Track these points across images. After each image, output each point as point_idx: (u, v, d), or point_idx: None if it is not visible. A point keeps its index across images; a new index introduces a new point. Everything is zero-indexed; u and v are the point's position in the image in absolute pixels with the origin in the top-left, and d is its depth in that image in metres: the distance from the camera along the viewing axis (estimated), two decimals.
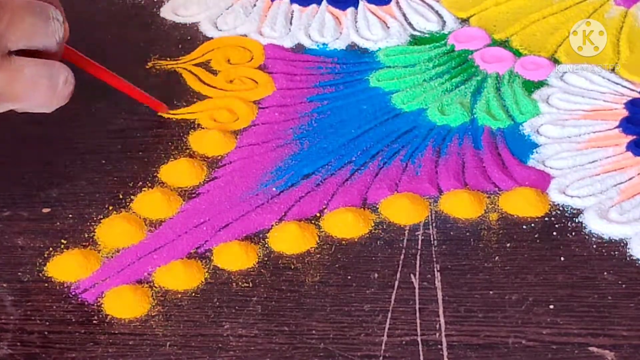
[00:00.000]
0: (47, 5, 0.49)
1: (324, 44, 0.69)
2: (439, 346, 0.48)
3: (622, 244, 0.53)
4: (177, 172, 0.58)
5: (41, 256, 0.53)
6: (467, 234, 0.54)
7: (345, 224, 0.54)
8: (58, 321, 0.50)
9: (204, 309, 0.50)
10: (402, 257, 0.53)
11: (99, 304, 0.50)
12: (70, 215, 0.55)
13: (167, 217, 0.55)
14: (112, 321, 0.49)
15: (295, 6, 0.72)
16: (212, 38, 0.70)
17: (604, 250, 0.53)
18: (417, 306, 0.50)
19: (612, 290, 0.51)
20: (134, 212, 0.56)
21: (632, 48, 0.67)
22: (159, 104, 0.62)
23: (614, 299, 0.50)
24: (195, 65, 0.67)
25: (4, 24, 0.47)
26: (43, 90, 0.49)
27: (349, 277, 0.52)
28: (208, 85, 0.65)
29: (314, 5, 0.72)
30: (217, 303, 0.50)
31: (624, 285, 0.51)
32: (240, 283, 0.51)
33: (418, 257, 0.53)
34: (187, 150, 0.60)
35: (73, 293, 0.51)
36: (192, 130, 0.61)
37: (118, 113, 0.63)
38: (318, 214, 0.55)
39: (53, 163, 0.59)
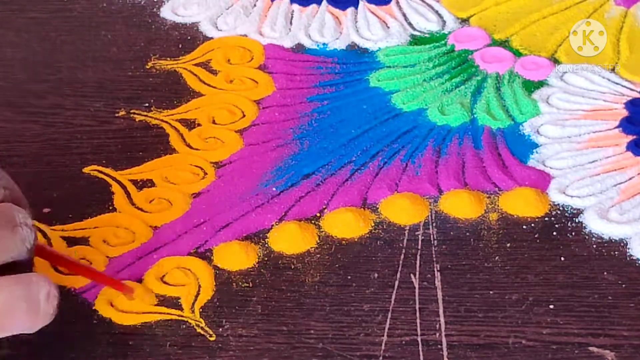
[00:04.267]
0: (11, 209, 0.42)
1: (324, 44, 0.69)
2: (439, 346, 0.48)
3: (622, 244, 0.53)
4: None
5: None
6: (467, 234, 0.54)
7: (345, 224, 0.54)
8: (58, 321, 0.50)
9: (204, 309, 0.50)
10: (402, 257, 0.53)
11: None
12: (70, 216, 0.55)
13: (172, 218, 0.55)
14: (112, 321, 0.49)
15: (295, 6, 0.72)
16: (212, 38, 0.70)
17: (604, 250, 0.53)
18: (417, 306, 0.50)
19: (612, 290, 0.51)
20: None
21: (632, 48, 0.67)
22: (123, 286, 0.51)
23: (614, 299, 0.50)
24: (195, 65, 0.67)
25: None
26: (22, 315, 0.40)
27: (349, 277, 0.52)
28: (208, 85, 0.65)
29: (314, 5, 0.72)
30: (217, 303, 0.50)
31: (624, 285, 0.51)
32: (240, 283, 0.51)
33: (418, 257, 0.53)
34: (188, 150, 0.60)
35: (73, 293, 0.51)
36: (191, 129, 0.61)
37: (118, 113, 0.63)
38: (318, 214, 0.55)
39: (53, 163, 0.59)
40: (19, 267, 0.42)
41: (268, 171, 0.58)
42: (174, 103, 0.63)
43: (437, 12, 0.72)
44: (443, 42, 0.69)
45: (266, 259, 0.53)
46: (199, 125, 0.62)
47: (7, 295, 0.40)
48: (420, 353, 0.48)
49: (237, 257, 0.52)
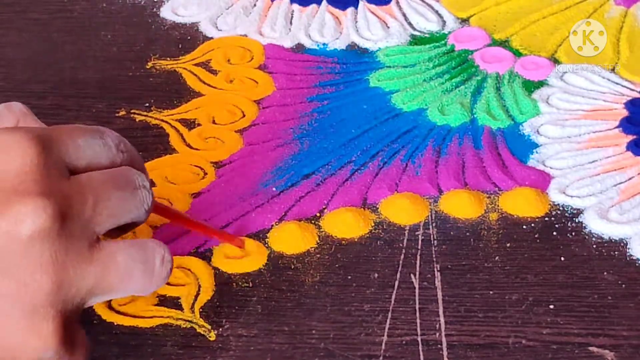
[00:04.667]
0: (130, 172, 0.42)
1: (324, 44, 0.69)
2: (439, 346, 0.48)
3: (622, 244, 0.53)
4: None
5: None
6: (467, 234, 0.54)
7: (345, 224, 0.54)
8: None
9: (205, 309, 0.50)
10: (402, 257, 0.53)
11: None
12: None
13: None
14: (113, 322, 0.49)
15: (295, 6, 0.72)
16: (212, 38, 0.70)
17: (604, 250, 0.53)
18: (417, 306, 0.50)
19: (612, 290, 0.51)
20: None
21: (632, 48, 0.67)
22: (235, 238, 0.54)
23: (614, 299, 0.50)
24: (195, 65, 0.67)
25: (89, 208, 0.40)
26: (139, 277, 0.42)
27: (349, 277, 0.52)
28: (208, 85, 0.65)
29: (314, 5, 0.72)
30: (217, 303, 0.50)
31: (624, 285, 0.51)
32: (240, 283, 0.51)
33: (418, 257, 0.53)
34: (188, 150, 0.60)
35: None
36: (191, 129, 0.61)
37: (118, 113, 0.63)
38: (318, 214, 0.55)
39: None
40: (132, 227, 0.44)
41: (268, 171, 0.58)
42: (174, 103, 0.64)
43: (437, 12, 0.72)
44: (443, 42, 0.69)
45: (266, 259, 0.53)
46: (199, 125, 0.62)
47: (125, 257, 0.41)
48: (420, 353, 0.48)
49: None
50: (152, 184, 0.46)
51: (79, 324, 0.41)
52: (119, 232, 0.43)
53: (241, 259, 0.52)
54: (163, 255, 0.42)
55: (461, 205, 0.55)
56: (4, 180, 0.38)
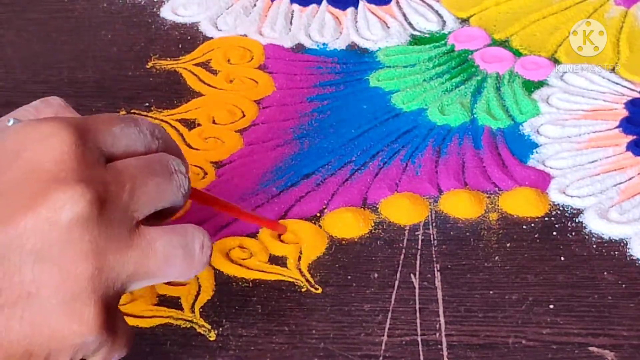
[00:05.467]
0: (166, 157, 0.43)
1: (324, 44, 0.69)
2: (439, 346, 0.48)
3: (622, 244, 0.53)
4: None
5: None
6: (467, 234, 0.54)
7: (345, 224, 0.54)
8: None
9: (205, 309, 0.50)
10: (402, 257, 0.53)
11: None
12: None
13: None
14: None
15: (295, 6, 0.72)
16: (212, 38, 0.70)
17: (604, 250, 0.53)
18: (417, 306, 0.50)
19: (612, 290, 0.51)
20: None
21: (632, 48, 0.67)
22: (276, 225, 0.55)
23: (614, 299, 0.50)
24: (195, 65, 0.67)
25: (126, 194, 0.40)
26: (178, 262, 0.41)
27: (349, 277, 0.52)
28: (208, 85, 0.65)
29: (314, 5, 0.72)
30: (217, 303, 0.50)
31: (624, 285, 0.51)
32: (240, 283, 0.51)
33: (418, 257, 0.53)
34: (187, 150, 0.60)
35: None
36: (191, 129, 0.61)
37: (118, 113, 0.63)
38: (318, 214, 0.55)
39: None
40: (171, 213, 0.44)
41: (268, 171, 0.58)
42: (174, 103, 0.64)
43: (437, 12, 0.72)
44: (443, 42, 0.69)
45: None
46: (199, 125, 0.62)
47: (165, 243, 0.41)
48: (420, 353, 0.48)
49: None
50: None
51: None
52: (159, 218, 0.43)
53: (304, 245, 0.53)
54: (202, 240, 0.42)
55: (461, 205, 0.55)
56: (43, 169, 0.38)
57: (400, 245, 0.53)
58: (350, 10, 0.72)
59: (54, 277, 0.38)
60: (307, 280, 0.51)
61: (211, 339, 0.48)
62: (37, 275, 0.37)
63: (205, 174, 0.58)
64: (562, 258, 0.53)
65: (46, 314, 0.38)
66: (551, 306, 0.50)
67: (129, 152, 0.42)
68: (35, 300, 0.38)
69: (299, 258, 0.53)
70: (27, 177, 0.38)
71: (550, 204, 0.56)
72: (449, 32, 0.69)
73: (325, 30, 0.70)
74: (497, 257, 0.53)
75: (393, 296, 0.50)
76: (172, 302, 0.50)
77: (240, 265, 0.52)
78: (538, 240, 0.54)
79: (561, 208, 0.56)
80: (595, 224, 0.54)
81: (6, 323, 0.37)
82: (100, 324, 0.38)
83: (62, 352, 0.38)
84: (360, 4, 0.73)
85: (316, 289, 0.50)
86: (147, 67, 0.67)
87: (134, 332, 0.42)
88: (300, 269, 0.52)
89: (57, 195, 0.38)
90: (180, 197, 0.43)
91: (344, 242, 0.54)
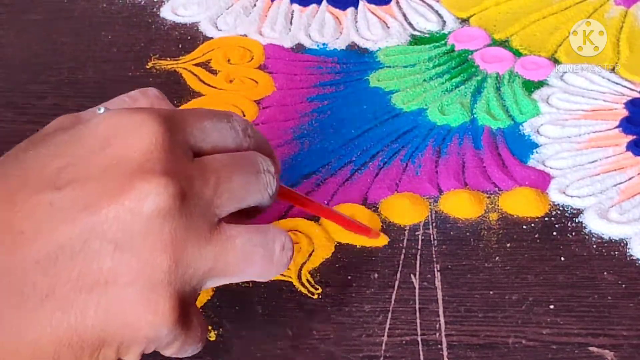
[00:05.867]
0: (255, 156, 0.42)
1: (324, 44, 0.69)
2: (439, 346, 0.48)
3: (622, 244, 0.53)
4: None
5: None
6: (467, 234, 0.54)
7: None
8: None
9: (205, 309, 0.50)
10: (402, 257, 0.53)
11: None
12: None
13: None
14: None
15: (295, 6, 0.72)
16: (212, 38, 0.70)
17: (604, 250, 0.53)
18: (417, 306, 0.50)
19: (612, 290, 0.51)
20: None
21: (632, 48, 0.67)
22: (371, 231, 0.54)
23: (614, 299, 0.50)
24: (195, 65, 0.67)
25: (210, 189, 0.40)
26: (257, 261, 0.41)
27: (349, 277, 0.52)
28: (208, 85, 0.65)
29: (314, 5, 0.72)
30: (217, 303, 0.50)
31: (624, 285, 0.51)
32: (240, 283, 0.51)
33: (418, 257, 0.53)
34: None
35: None
36: None
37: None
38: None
39: None
40: (256, 213, 0.43)
41: None
42: (174, 103, 0.63)
43: (437, 12, 0.72)
44: (443, 42, 0.69)
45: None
46: None
47: (245, 241, 0.41)
48: (421, 353, 0.48)
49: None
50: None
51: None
52: (244, 218, 0.43)
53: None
54: (284, 242, 0.42)
55: (461, 205, 0.55)
56: (130, 158, 0.38)
57: (400, 245, 0.53)
58: (350, 10, 0.72)
59: (132, 267, 0.37)
60: (304, 285, 0.51)
61: (211, 339, 0.48)
62: (116, 263, 0.37)
63: None
64: (562, 258, 0.53)
65: (121, 303, 0.37)
66: (551, 306, 0.50)
67: (218, 147, 0.41)
68: (112, 288, 0.37)
69: (304, 263, 0.52)
70: (114, 165, 0.38)
71: (550, 204, 0.56)
72: (449, 32, 0.70)
73: (325, 30, 0.70)
74: (497, 257, 0.53)
75: (393, 296, 0.50)
76: None
77: None
78: (538, 240, 0.54)
79: (561, 208, 0.56)
80: (595, 224, 0.54)
81: (82, 309, 0.37)
82: (175, 317, 0.38)
83: (134, 342, 0.38)
84: (360, 4, 0.73)
85: (313, 292, 0.50)
86: (147, 67, 0.67)
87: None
88: (300, 274, 0.52)
89: (141, 185, 0.38)
90: (267, 197, 0.42)
91: (344, 242, 0.54)
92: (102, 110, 0.41)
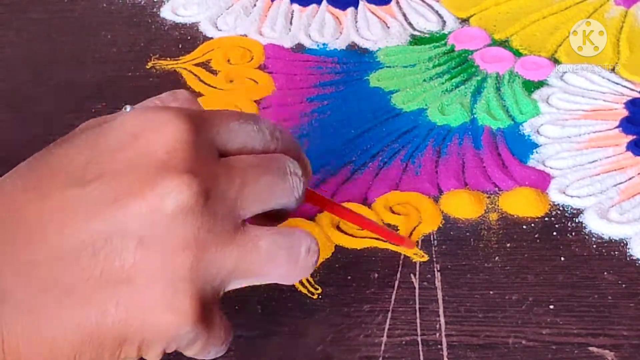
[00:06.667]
0: (282, 158, 0.42)
1: (324, 44, 0.69)
2: (439, 346, 0.48)
3: (622, 244, 0.53)
4: None
5: None
6: (467, 234, 0.54)
7: (346, 224, 0.54)
8: None
9: None
10: (402, 257, 0.53)
11: None
12: None
13: None
14: None
15: (295, 6, 0.72)
16: (212, 38, 0.70)
17: (604, 250, 0.53)
18: (417, 306, 0.50)
19: (612, 290, 0.51)
20: None
21: (632, 48, 0.67)
22: (404, 239, 0.54)
23: (614, 299, 0.50)
24: (195, 65, 0.67)
25: (235, 189, 0.39)
26: (282, 264, 0.41)
27: (349, 277, 0.52)
28: (208, 85, 0.65)
29: (314, 5, 0.72)
30: None
31: (624, 285, 0.51)
32: None
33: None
34: None
35: None
36: None
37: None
38: (318, 214, 0.55)
39: None
40: (283, 216, 0.43)
41: None
42: None
43: (437, 12, 0.72)
44: (443, 42, 0.69)
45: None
46: None
47: (269, 243, 0.40)
48: (420, 353, 0.48)
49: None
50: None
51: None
52: (270, 221, 0.43)
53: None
54: (309, 245, 0.41)
55: (461, 205, 0.55)
56: (155, 156, 0.38)
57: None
58: (350, 10, 0.72)
59: (154, 265, 0.37)
60: (304, 285, 0.51)
61: None
62: (138, 260, 0.37)
63: None
64: (562, 258, 0.53)
65: (142, 301, 0.37)
66: (551, 306, 0.50)
67: (245, 149, 0.41)
68: (133, 285, 0.37)
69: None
70: (139, 162, 0.38)
71: (550, 204, 0.56)
72: (449, 32, 0.69)
73: (325, 30, 0.70)
74: (497, 257, 0.53)
75: (393, 296, 0.50)
76: None
77: None
78: (538, 240, 0.54)
79: (561, 208, 0.56)
80: (595, 224, 0.54)
81: (103, 305, 0.37)
82: (196, 316, 0.38)
83: (155, 340, 0.38)
84: (360, 4, 0.73)
85: (313, 292, 0.50)
86: (147, 67, 0.67)
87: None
88: None
89: (165, 183, 0.37)
90: (293, 200, 0.42)
91: (341, 244, 0.54)
92: (128, 108, 0.41)
